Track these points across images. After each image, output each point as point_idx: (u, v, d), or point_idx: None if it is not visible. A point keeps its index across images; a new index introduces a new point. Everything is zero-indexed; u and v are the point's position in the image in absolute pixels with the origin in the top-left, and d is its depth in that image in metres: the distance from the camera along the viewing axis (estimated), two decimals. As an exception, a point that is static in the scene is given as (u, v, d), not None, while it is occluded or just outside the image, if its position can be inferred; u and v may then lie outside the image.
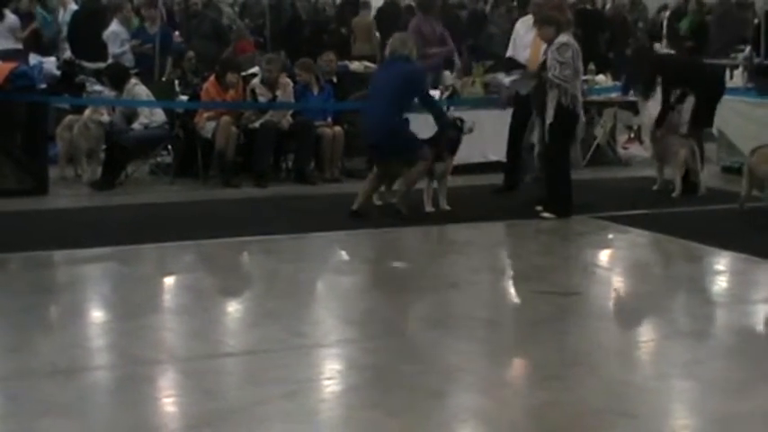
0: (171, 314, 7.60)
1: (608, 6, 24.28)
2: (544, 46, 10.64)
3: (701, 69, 12.99)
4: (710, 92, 12.12)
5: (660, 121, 11.91)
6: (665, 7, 23.67)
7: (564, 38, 10.43)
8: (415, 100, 10.60)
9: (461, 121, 10.97)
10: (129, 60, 15.10)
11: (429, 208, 10.69)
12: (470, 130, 11.02)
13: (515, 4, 20.25)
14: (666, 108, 11.85)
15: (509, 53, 11.48)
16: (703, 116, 11.99)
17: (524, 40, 11.31)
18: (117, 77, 12.74)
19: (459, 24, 19.28)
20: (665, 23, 21.63)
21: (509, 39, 11.92)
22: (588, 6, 20.53)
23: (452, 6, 21.16)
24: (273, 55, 13.37)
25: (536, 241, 10.05)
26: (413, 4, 20.30)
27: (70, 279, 8.63)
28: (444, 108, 12.18)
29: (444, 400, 5.83)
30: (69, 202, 11.38)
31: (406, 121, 10.56)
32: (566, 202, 10.58)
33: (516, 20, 12.45)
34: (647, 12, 24.28)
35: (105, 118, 12.17)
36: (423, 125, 10.91)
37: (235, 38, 18.52)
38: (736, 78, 16.47)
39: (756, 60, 17.03)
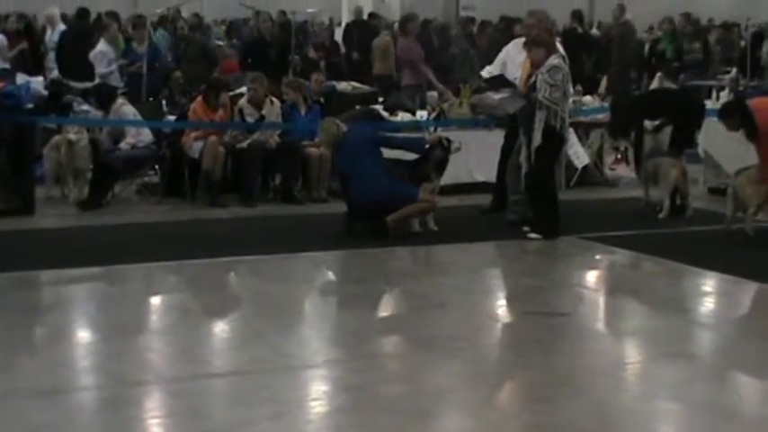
0: (157, 334, 7.58)
1: (593, 30, 24.42)
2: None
3: (680, 98, 13.07)
4: (689, 119, 12.24)
5: (637, 151, 12.13)
6: (651, 29, 23.74)
7: (555, 60, 10.47)
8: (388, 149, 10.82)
9: (448, 141, 10.98)
10: (116, 80, 15.11)
11: (416, 228, 10.69)
12: (458, 149, 11.04)
13: (501, 26, 20.37)
14: (641, 136, 12.10)
15: (498, 71, 11.50)
16: (682, 141, 12.07)
17: (516, 61, 11.34)
18: (104, 97, 12.73)
19: (431, 46, 19.38)
20: (646, 47, 21.61)
21: (469, 58, 11.98)
22: (576, 27, 20.60)
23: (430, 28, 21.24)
24: (258, 74, 13.36)
25: (523, 262, 10.06)
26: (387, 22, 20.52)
27: (56, 299, 8.60)
28: (432, 129, 12.24)
29: (432, 421, 5.83)
30: (56, 222, 11.35)
31: (389, 177, 10.62)
32: (553, 223, 10.59)
33: (475, 40, 12.53)
34: (636, 34, 24.31)
35: (72, 137, 12.09)
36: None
37: (220, 57, 18.57)
38: (723, 99, 16.48)
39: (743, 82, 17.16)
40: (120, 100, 12.69)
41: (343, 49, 22.74)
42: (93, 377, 6.59)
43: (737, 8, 30.01)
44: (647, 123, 12.34)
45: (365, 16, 23.25)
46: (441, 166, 10.93)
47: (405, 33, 16.81)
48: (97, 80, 14.70)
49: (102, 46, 15.38)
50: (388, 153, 10.87)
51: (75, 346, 7.28)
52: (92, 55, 15.37)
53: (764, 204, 10.67)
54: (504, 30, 18.77)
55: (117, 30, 16.64)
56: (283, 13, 22.89)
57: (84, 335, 7.62)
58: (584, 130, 13.97)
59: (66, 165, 12.28)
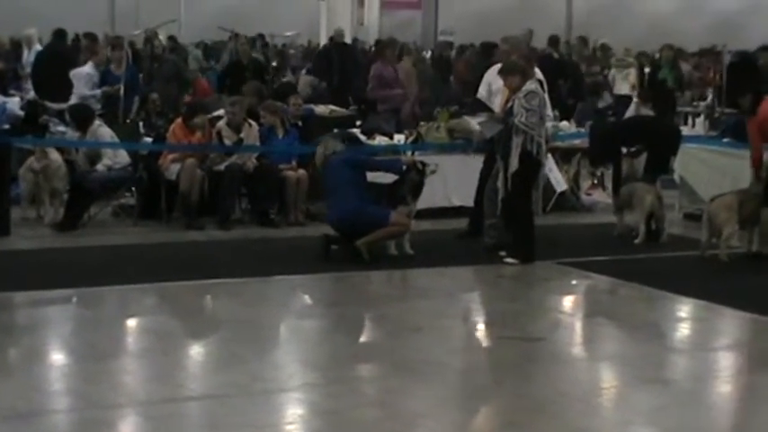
0: (132, 357, 7.55)
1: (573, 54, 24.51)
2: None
3: (655, 125, 13.16)
4: (665, 146, 12.34)
5: (616, 177, 12.28)
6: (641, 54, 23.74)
7: (531, 85, 10.53)
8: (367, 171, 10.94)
9: (423, 164, 11.00)
10: (93, 102, 15.06)
11: (392, 250, 10.70)
12: (433, 172, 11.06)
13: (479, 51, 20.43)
14: (619, 162, 12.26)
15: (485, 95, 11.55)
16: (657, 167, 12.14)
17: (493, 87, 11.41)
18: (81, 118, 12.70)
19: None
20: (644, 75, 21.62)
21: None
22: (552, 53, 20.68)
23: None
24: (237, 97, 13.37)
25: (499, 287, 10.07)
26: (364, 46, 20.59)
27: (31, 321, 8.55)
28: (409, 152, 12.27)
29: (407, 446, 5.82)
30: (31, 244, 11.30)
31: (366, 199, 10.69)
32: (529, 248, 10.61)
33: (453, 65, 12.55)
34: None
35: (35, 166, 12.09)
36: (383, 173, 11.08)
37: (191, 78, 18.58)
38: (698, 126, 16.63)
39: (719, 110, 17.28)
40: (98, 122, 12.65)
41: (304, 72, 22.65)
42: (68, 400, 6.55)
43: (713, 35, 30.26)
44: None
45: (347, 39, 23.26)
46: (416, 190, 10.94)
47: (382, 57, 16.87)
48: (74, 100, 14.63)
49: (89, 68, 15.30)
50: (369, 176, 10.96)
51: (49, 369, 7.24)
52: (74, 73, 15.32)
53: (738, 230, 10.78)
54: (482, 54, 18.84)
55: (104, 53, 16.58)
56: (261, 36, 22.96)
57: (58, 357, 7.58)
58: (561, 156, 14.01)
59: (42, 186, 12.24)
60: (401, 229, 10.64)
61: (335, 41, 20.90)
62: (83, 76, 15.22)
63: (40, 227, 12.06)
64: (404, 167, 10.96)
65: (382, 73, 16.24)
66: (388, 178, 11.06)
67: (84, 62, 15.79)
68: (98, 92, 15.03)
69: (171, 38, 24.63)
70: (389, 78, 16.17)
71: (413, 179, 10.87)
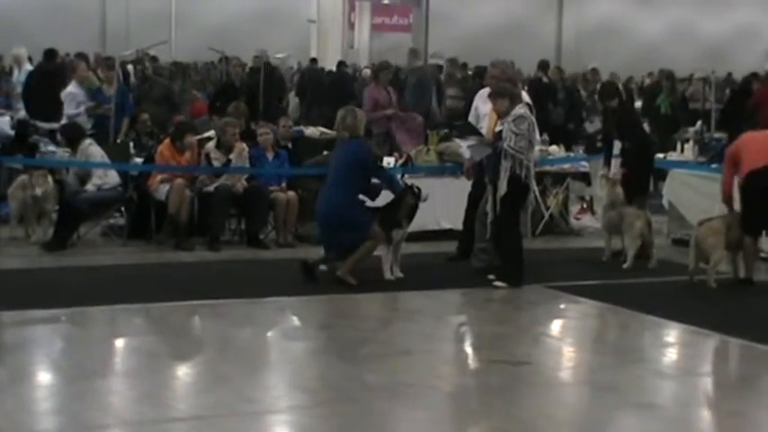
0: (120, 377, 7.54)
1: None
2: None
3: (633, 148, 13.17)
4: (640, 167, 12.38)
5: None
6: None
7: (520, 110, 10.57)
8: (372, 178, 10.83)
9: (418, 189, 11.01)
10: (84, 122, 15.07)
11: (389, 276, 10.66)
12: (425, 200, 11.06)
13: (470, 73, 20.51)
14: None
15: (474, 121, 11.59)
16: (636, 188, 12.16)
17: (480, 111, 11.44)
18: (72, 136, 12.72)
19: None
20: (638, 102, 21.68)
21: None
22: (542, 77, 20.76)
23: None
24: (230, 119, 13.38)
25: (488, 310, 10.08)
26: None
27: (18, 340, 8.52)
28: (398, 175, 12.27)
29: (395, 468, 5.81)
30: (19, 263, 11.27)
31: (357, 201, 10.65)
32: (518, 272, 10.63)
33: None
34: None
35: (36, 192, 12.10)
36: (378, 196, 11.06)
37: (189, 99, 18.58)
38: (687, 152, 16.66)
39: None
40: (88, 140, 12.67)
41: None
42: (55, 420, 6.53)
43: (701, 61, 30.41)
44: (605, 172, 12.51)
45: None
46: (411, 214, 10.94)
47: (376, 81, 16.87)
48: (65, 120, 14.65)
49: (72, 87, 15.36)
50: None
51: (36, 389, 7.22)
52: (63, 95, 15.36)
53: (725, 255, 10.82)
54: (474, 78, 18.94)
55: (86, 70, 16.60)
56: (257, 57, 22.95)
57: (45, 377, 7.56)
58: (550, 180, 14.04)
59: (31, 205, 12.23)
60: (377, 244, 10.59)
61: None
62: (66, 95, 15.26)
63: (29, 246, 12.04)
64: (402, 189, 10.95)
65: (376, 96, 16.28)
66: (380, 201, 11.03)
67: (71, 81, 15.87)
68: (82, 109, 15.05)
69: (152, 58, 24.67)
70: (384, 102, 16.20)
71: (408, 203, 10.87)
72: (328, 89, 22.61)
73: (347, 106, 11.52)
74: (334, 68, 26.10)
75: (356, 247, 10.47)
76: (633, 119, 12.91)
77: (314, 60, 24.79)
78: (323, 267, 10.66)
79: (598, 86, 22.17)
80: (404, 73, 19.88)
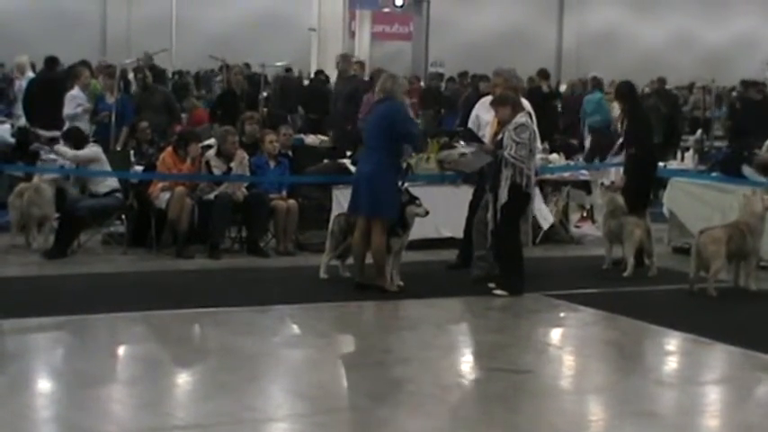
0: (121, 385, 7.54)
1: (563, 87, 24.61)
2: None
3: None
4: (641, 177, 12.36)
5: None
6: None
7: (522, 118, 10.57)
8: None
9: (418, 199, 10.95)
10: (85, 128, 15.07)
11: (392, 287, 10.65)
12: (426, 215, 10.98)
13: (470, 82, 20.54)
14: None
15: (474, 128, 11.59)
16: (638, 199, 12.13)
17: (482, 119, 11.46)
18: (76, 140, 12.75)
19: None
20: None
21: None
22: (542, 86, 20.78)
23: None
24: (231, 128, 13.39)
25: (488, 318, 10.08)
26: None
27: (19, 348, 8.52)
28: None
29: (395, 477, 5.81)
30: (20, 271, 11.27)
31: (392, 169, 10.65)
32: (518, 280, 10.63)
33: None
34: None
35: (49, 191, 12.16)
36: None
37: (189, 107, 18.58)
38: (687, 160, 16.71)
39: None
40: (91, 144, 12.71)
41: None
42: (55, 428, 6.54)
43: (701, 69, 30.48)
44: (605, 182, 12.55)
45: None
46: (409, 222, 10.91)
47: (373, 88, 16.88)
48: (67, 124, 14.67)
49: (75, 91, 15.37)
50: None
51: (36, 397, 7.23)
52: (66, 97, 15.39)
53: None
54: (472, 86, 18.96)
55: (89, 77, 16.60)
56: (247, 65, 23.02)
57: (46, 385, 7.57)
58: (551, 188, 14.05)
59: (31, 213, 12.23)
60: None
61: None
62: (68, 97, 15.30)
63: (29, 254, 12.05)
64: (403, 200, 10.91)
65: (371, 101, 16.28)
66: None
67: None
68: (80, 110, 15.06)
69: (151, 67, 24.66)
70: None
71: (413, 212, 10.83)
72: (304, 97, 22.58)
73: (391, 73, 11.53)
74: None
75: (372, 214, 10.51)
76: (643, 126, 12.83)
77: (320, 72, 24.78)
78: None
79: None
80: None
